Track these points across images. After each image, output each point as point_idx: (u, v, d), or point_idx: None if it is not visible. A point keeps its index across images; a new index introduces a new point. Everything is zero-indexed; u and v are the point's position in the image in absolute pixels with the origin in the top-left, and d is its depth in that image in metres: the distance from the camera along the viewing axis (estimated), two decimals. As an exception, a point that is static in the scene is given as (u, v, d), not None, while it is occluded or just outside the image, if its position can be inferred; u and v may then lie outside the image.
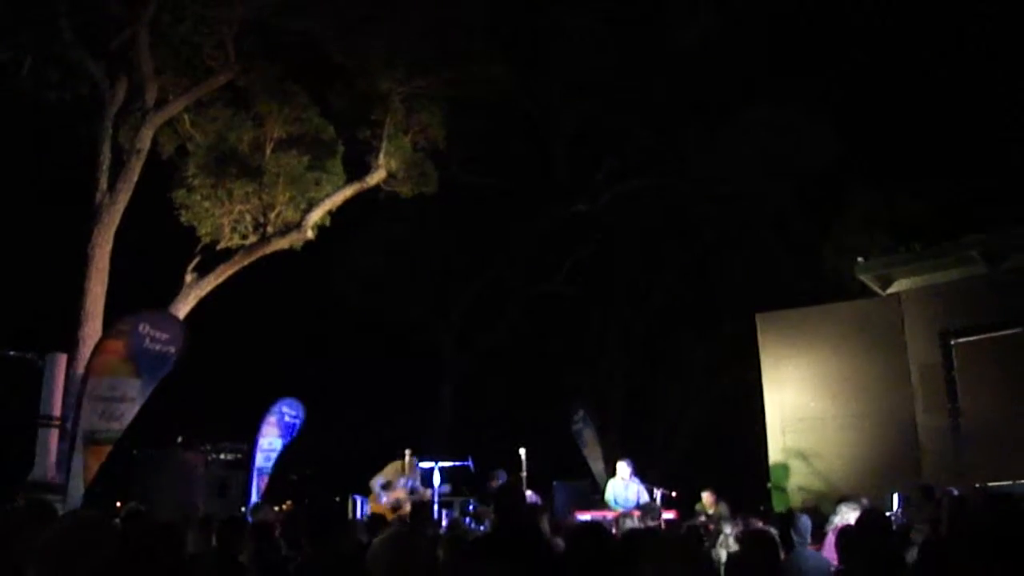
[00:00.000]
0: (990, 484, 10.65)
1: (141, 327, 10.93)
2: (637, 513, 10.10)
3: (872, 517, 4.72)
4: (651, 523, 9.40)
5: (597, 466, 16.23)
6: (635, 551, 3.40)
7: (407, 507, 11.71)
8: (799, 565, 5.72)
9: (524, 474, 12.32)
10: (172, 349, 11.20)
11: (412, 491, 11.85)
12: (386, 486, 11.71)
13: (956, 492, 8.92)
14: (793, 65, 20.08)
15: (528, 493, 11.68)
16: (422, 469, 12.25)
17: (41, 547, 2.78)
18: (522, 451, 12.45)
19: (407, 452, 11.99)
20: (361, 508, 13.65)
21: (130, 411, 10.76)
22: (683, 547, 3.30)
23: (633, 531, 6.58)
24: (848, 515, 6.42)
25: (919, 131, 18.68)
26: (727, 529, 8.16)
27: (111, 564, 2.77)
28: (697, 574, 3.17)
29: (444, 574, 4.76)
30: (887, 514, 9.29)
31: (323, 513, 5.74)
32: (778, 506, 12.75)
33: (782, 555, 5.41)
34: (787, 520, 6.15)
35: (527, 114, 22.12)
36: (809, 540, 6.20)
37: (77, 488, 10.18)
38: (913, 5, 18.94)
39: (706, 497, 12.91)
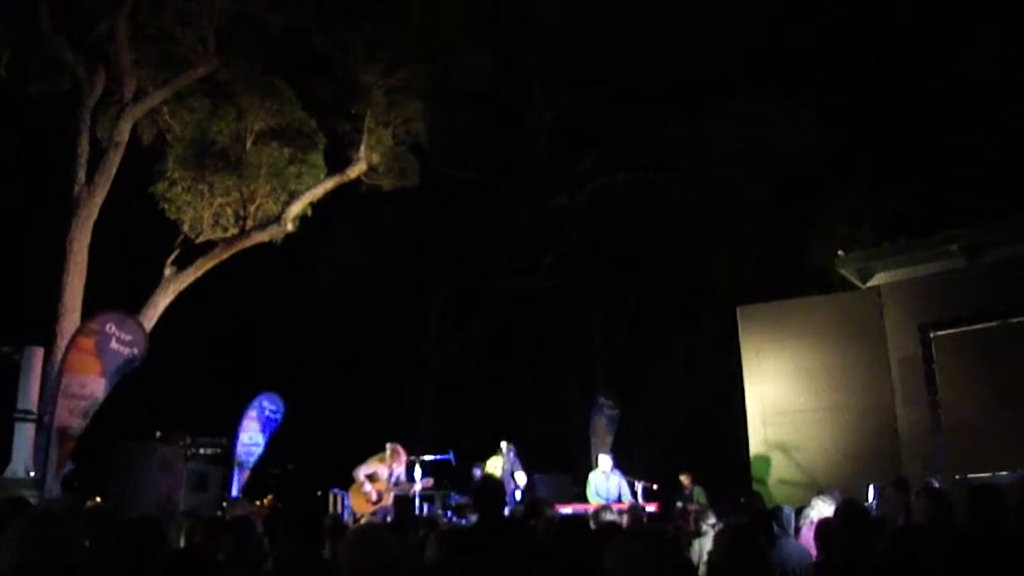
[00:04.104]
0: (969, 476, 10.74)
1: (108, 327, 11.01)
2: (617, 506, 10.11)
3: (851, 509, 4.73)
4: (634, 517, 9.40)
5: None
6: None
7: (388, 499, 11.72)
8: (782, 556, 5.77)
9: (507, 467, 12.37)
10: (135, 351, 11.30)
11: (396, 484, 11.84)
12: (371, 477, 11.70)
13: (936, 483, 8.98)
14: (776, 59, 20.13)
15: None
16: (408, 460, 12.25)
17: (11, 536, 2.76)
18: (504, 444, 12.47)
19: (388, 445, 11.97)
20: (342, 503, 13.63)
21: (94, 409, 10.82)
22: (651, 540, 3.28)
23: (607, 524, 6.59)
24: (823, 508, 6.46)
25: (901, 126, 18.76)
26: (711, 519, 8.17)
27: (81, 549, 2.76)
28: (661, 565, 3.16)
29: (430, 570, 4.74)
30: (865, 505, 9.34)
31: (299, 510, 5.70)
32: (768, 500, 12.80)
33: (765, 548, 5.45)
34: (770, 513, 6.20)
35: (509, 107, 22.11)
36: (791, 532, 6.25)
37: (53, 483, 10.15)
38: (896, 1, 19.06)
39: (683, 478, 14.05)
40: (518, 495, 12.70)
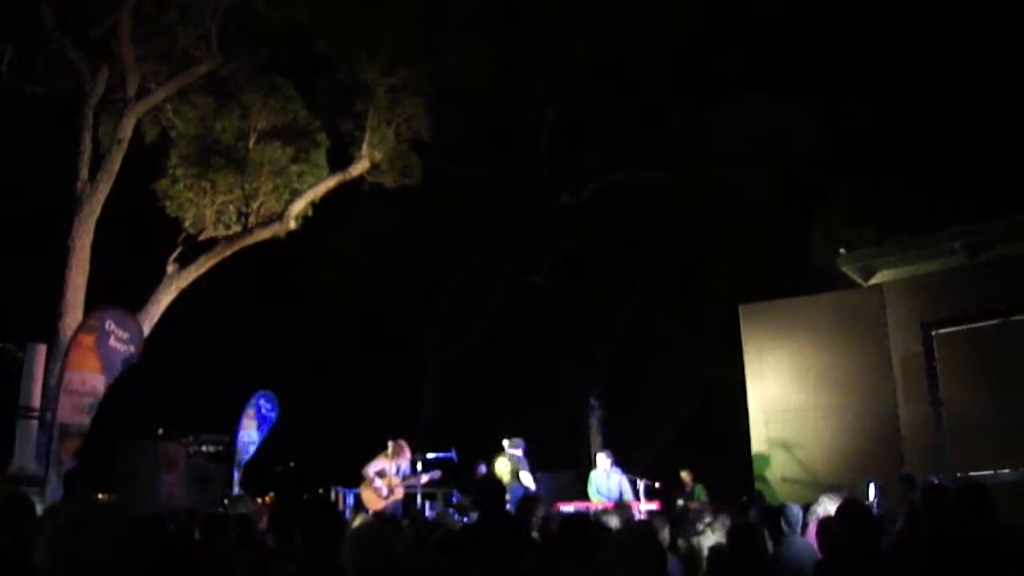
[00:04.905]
0: (971, 474, 10.72)
1: (107, 324, 11.06)
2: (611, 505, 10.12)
3: (851, 507, 4.73)
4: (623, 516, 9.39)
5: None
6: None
7: (399, 493, 11.77)
8: (789, 554, 5.76)
9: (513, 467, 12.36)
10: (132, 348, 11.35)
11: (403, 478, 11.89)
12: (380, 473, 11.76)
13: (936, 481, 8.97)
14: (779, 56, 20.13)
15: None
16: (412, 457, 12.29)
17: (50, 536, 2.79)
18: (506, 442, 12.46)
19: (390, 442, 12.00)
20: (344, 500, 13.67)
21: (95, 405, 10.83)
22: (637, 538, 3.32)
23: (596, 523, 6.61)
24: (830, 506, 6.46)
25: (904, 123, 18.75)
26: (707, 518, 8.16)
27: (109, 549, 2.79)
28: (649, 563, 3.19)
29: (431, 568, 4.76)
30: (866, 503, 9.33)
31: (318, 505, 5.70)
32: (770, 498, 12.81)
33: (769, 546, 5.46)
34: (777, 511, 6.20)
35: (512, 105, 22.07)
36: (799, 530, 6.24)
37: (56, 480, 10.18)
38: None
39: (684, 475, 14.25)
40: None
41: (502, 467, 12.25)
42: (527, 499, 7.90)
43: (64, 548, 2.73)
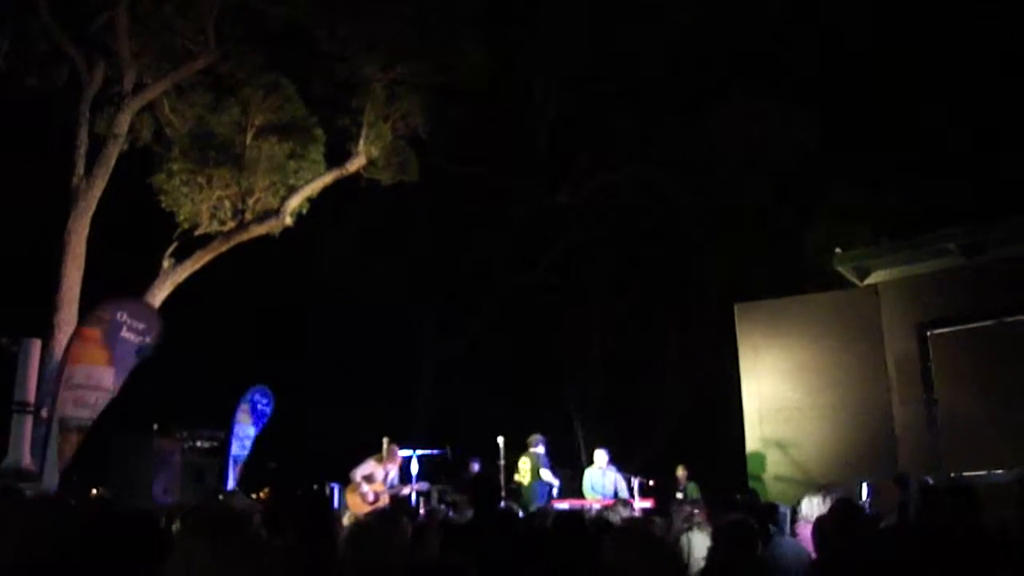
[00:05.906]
0: (964, 475, 10.75)
1: (119, 315, 10.95)
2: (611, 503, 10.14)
3: (844, 507, 4.74)
4: (624, 513, 9.42)
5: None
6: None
7: (385, 499, 11.73)
8: (779, 555, 5.75)
9: (502, 463, 12.37)
10: (148, 339, 11.25)
11: (391, 486, 11.85)
12: (368, 478, 11.71)
13: (930, 481, 9.00)
14: (776, 56, 20.12)
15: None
16: (403, 459, 12.26)
17: (8, 533, 2.78)
18: (500, 440, 12.48)
19: (386, 440, 11.98)
20: (338, 496, 13.67)
21: (103, 400, 10.77)
22: (643, 536, 3.33)
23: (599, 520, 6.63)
24: (815, 504, 6.45)
25: (900, 124, 18.74)
26: (697, 517, 8.18)
27: (71, 545, 2.78)
28: (655, 560, 3.20)
29: (428, 565, 4.75)
30: (859, 503, 9.34)
31: (308, 501, 5.70)
32: (764, 497, 12.83)
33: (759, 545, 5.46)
34: (766, 511, 6.20)
35: (509, 104, 22.06)
36: (788, 530, 6.24)
37: (52, 475, 10.16)
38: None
39: (679, 471, 14.46)
40: (554, 492, 12.66)
41: (523, 465, 12.30)
42: (542, 508, 7.97)
43: (25, 544, 2.73)
